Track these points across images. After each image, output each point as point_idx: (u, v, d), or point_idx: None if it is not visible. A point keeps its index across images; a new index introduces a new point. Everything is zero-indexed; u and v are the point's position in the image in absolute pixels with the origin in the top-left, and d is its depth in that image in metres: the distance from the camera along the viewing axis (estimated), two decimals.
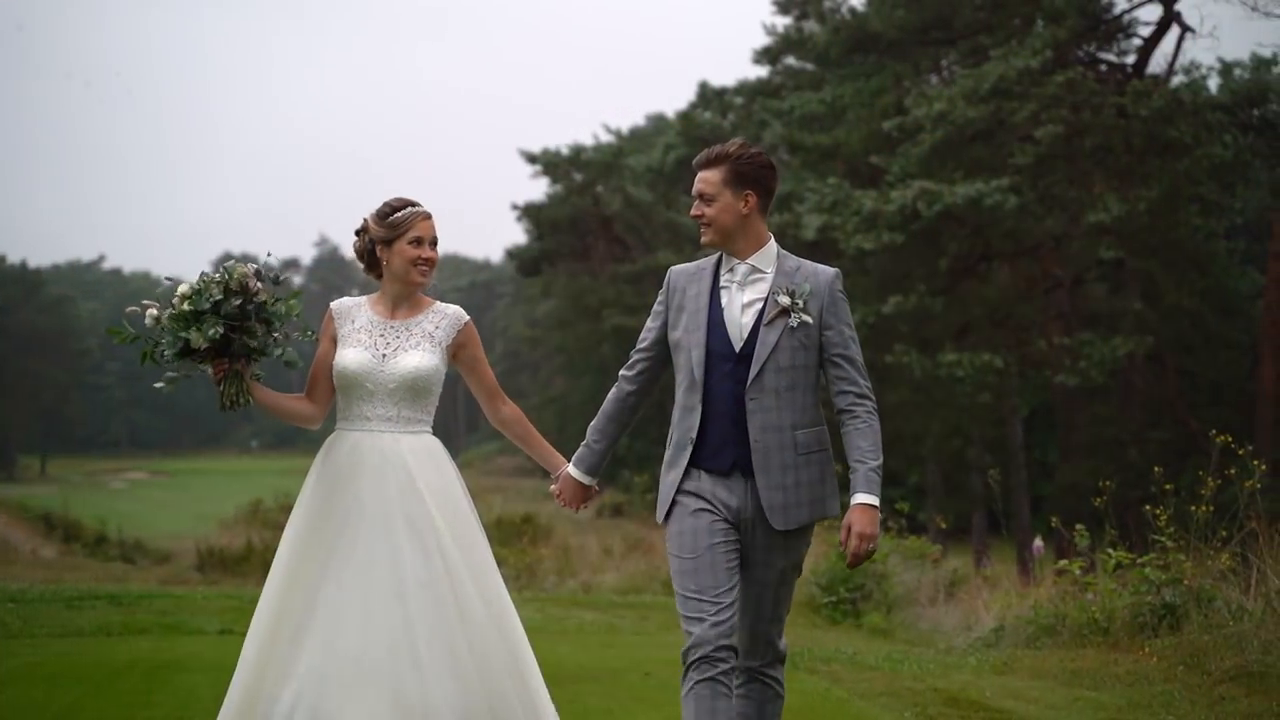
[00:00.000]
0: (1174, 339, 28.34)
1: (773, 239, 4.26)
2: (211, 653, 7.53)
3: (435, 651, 4.22)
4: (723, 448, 4.15)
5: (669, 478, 4.23)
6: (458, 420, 73.25)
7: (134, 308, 4.34)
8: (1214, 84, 29.99)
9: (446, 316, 4.55)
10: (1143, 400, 29.33)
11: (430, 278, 4.53)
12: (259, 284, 4.33)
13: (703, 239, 4.25)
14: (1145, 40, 27.66)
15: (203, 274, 4.32)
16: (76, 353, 75.31)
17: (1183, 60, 27.56)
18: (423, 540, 4.32)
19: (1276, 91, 26.90)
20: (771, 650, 4.29)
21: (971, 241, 26.48)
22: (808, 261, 4.25)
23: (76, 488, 55.14)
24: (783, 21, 32.34)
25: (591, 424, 4.44)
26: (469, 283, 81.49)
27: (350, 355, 4.46)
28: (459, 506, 4.44)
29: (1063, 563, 9.36)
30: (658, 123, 50.38)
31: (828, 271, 4.23)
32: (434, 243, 4.51)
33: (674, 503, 4.20)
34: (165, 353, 4.27)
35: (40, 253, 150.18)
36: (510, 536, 20.53)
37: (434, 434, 4.54)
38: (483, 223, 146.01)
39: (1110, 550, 8.67)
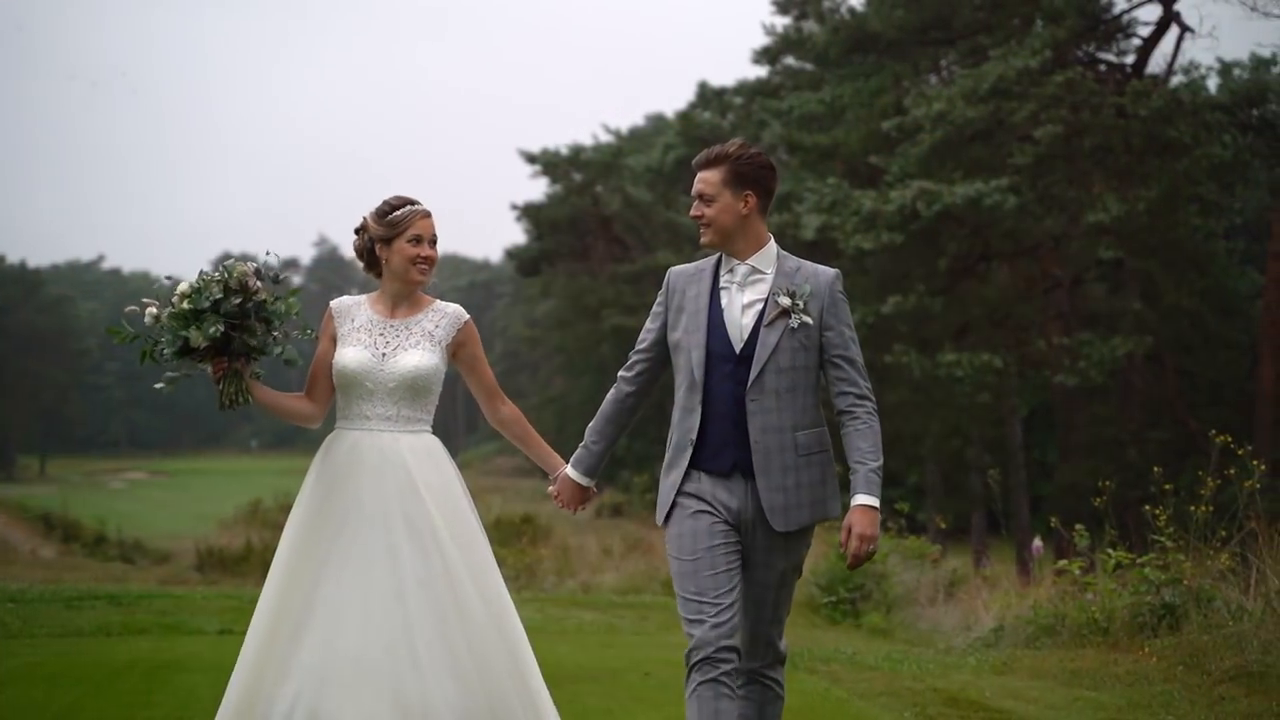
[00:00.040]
0: (1173, 339, 28.34)
1: (772, 239, 4.25)
2: (211, 653, 7.53)
3: (435, 652, 4.21)
4: (723, 449, 4.14)
5: (669, 479, 4.22)
6: (457, 420, 73.23)
7: (133, 307, 4.33)
8: (1213, 84, 30.00)
9: (446, 315, 4.54)
10: (1142, 400, 29.33)
11: (430, 276, 4.52)
12: (259, 283, 4.33)
13: (702, 239, 4.24)
14: (1144, 40, 27.66)
15: (202, 272, 4.32)
16: (76, 353, 75.32)
17: (1182, 60, 27.54)
18: (421, 540, 4.31)
19: (1276, 91, 26.88)
20: (772, 651, 4.28)
21: (971, 241, 26.47)
22: (807, 262, 4.24)
23: (76, 488, 55.15)
24: (782, 21, 32.37)
25: (590, 425, 4.43)
26: (468, 283, 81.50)
27: (350, 354, 4.45)
28: (458, 506, 4.43)
29: (1062, 563, 9.36)
30: (657, 123, 50.38)
31: (828, 272, 4.22)
32: (433, 241, 4.51)
33: (674, 504, 4.19)
34: (164, 351, 4.27)
35: (40, 253, 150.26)
36: (509, 537, 20.53)
37: (433, 434, 4.53)
38: (482, 223, 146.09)
39: (1110, 550, 8.67)
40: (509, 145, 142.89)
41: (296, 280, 4.76)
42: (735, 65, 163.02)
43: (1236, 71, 31.20)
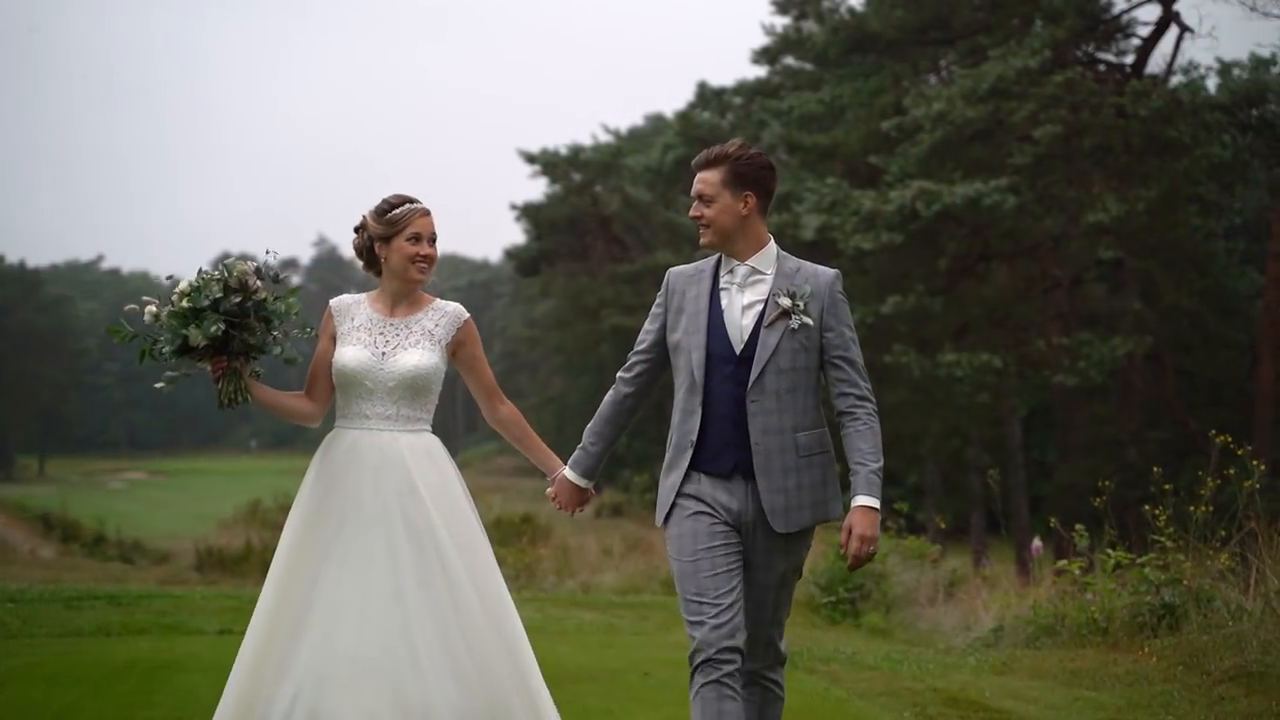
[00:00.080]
0: (1173, 339, 28.35)
1: (772, 240, 4.24)
2: (210, 653, 7.52)
3: (434, 652, 4.20)
4: (723, 450, 4.13)
5: (669, 480, 4.20)
6: (456, 420, 73.22)
7: (133, 305, 4.32)
8: (1212, 84, 30.02)
9: (446, 314, 4.53)
10: (1141, 400, 29.33)
11: (429, 275, 4.51)
12: (258, 282, 4.33)
13: (702, 240, 4.23)
14: (1144, 40, 27.67)
15: (201, 271, 4.31)
16: (75, 353, 75.31)
17: (1181, 60, 27.63)
18: (420, 540, 4.30)
19: (1275, 91, 26.90)
20: (772, 652, 4.28)
21: (970, 241, 26.48)
22: (807, 263, 4.23)
23: (75, 488, 55.13)
24: (781, 21, 32.38)
25: (588, 426, 4.42)
26: (467, 282, 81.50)
27: (349, 353, 4.45)
28: (458, 505, 4.42)
29: (1062, 563, 9.35)
30: (656, 123, 50.36)
31: (828, 273, 4.21)
32: (433, 239, 4.49)
33: (673, 505, 4.18)
34: (164, 350, 4.27)
35: (39, 252, 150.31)
36: (509, 536, 20.53)
37: (433, 433, 4.53)
38: (482, 222, 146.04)
39: (1109, 550, 8.67)
40: (509, 145, 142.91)
41: (296, 280, 4.75)
42: (735, 65, 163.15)
43: (1236, 71, 31.20)
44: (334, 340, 4.51)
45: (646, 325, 4.32)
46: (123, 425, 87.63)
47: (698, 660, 4.00)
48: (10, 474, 68.03)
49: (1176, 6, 26.80)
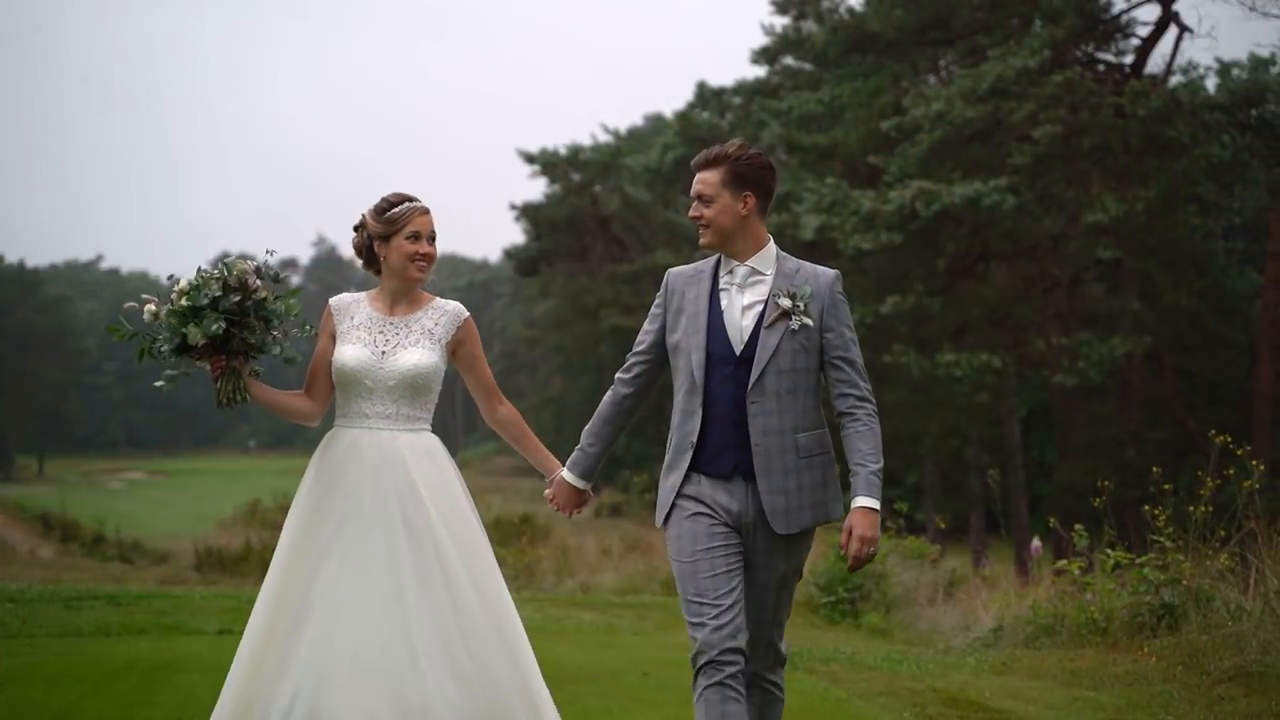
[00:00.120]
0: (1172, 339, 28.35)
1: (772, 240, 4.23)
2: (210, 653, 7.52)
3: (434, 652, 4.19)
4: (723, 451, 4.12)
5: (668, 481, 4.20)
6: (456, 420, 73.21)
7: (132, 303, 4.32)
8: (1212, 84, 30.03)
9: (446, 313, 4.53)
10: (1141, 400, 29.33)
11: (428, 273, 4.50)
12: (258, 281, 4.32)
13: (701, 240, 4.22)
14: (1143, 40, 27.67)
15: (201, 269, 4.31)
16: (74, 352, 75.31)
17: (1181, 60, 27.66)
18: (419, 539, 4.29)
19: (1274, 91, 26.90)
20: (773, 653, 4.27)
21: (969, 241, 26.48)
22: (807, 263, 4.22)
23: (74, 488, 55.12)
24: (781, 21, 32.38)
25: (586, 427, 4.40)
26: (467, 282, 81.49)
27: (349, 352, 4.44)
28: (457, 505, 4.41)
29: (1061, 563, 9.36)
30: (656, 123, 50.37)
31: (828, 273, 4.21)
32: (432, 238, 4.49)
33: (673, 506, 4.17)
34: (163, 348, 4.26)
35: (39, 252, 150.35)
36: (509, 536, 20.54)
37: (433, 433, 4.52)
38: (481, 222, 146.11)
39: (1109, 550, 8.67)
40: (509, 145, 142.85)
41: (295, 280, 4.75)
42: (734, 65, 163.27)
43: (1235, 71, 31.22)
44: (333, 339, 4.51)
45: (645, 326, 4.31)
46: (122, 425, 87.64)
47: (700, 662, 4.00)
48: (10, 474, 68.02)
49: (1176, 6, 26.81)
